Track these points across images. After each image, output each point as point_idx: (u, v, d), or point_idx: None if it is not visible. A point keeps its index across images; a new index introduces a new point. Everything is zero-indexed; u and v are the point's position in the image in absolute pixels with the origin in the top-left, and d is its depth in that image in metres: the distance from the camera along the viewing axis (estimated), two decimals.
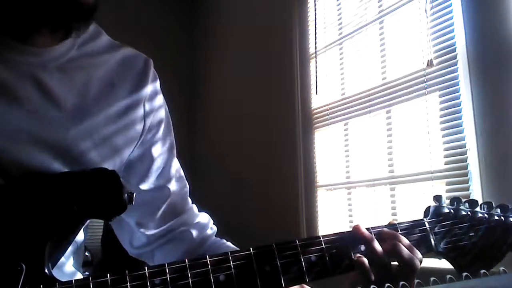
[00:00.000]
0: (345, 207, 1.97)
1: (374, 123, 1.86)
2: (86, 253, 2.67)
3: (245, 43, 2.77)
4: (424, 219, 0.68)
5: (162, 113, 0.80)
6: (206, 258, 0.57)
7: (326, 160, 2.10)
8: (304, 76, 2.26)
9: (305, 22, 2.30)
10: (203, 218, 0.86)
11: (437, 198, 0.70)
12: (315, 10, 2.22)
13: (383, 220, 1.73)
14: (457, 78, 1.52)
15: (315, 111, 2.19)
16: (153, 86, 0.78)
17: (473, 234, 0.66)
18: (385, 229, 0.65)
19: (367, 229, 0.65)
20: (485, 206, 0.70)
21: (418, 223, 0.67)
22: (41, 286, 0.52)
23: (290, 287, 0.59)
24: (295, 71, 2.28)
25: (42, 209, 0.58)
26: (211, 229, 0.86)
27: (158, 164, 0.79)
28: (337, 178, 2.02)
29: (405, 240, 0.63)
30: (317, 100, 2.18)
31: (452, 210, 0.68)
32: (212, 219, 0.89)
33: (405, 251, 0.61)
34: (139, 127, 0.75)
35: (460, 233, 0.66)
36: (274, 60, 2.47)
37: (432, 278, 0.50)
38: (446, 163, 1.54)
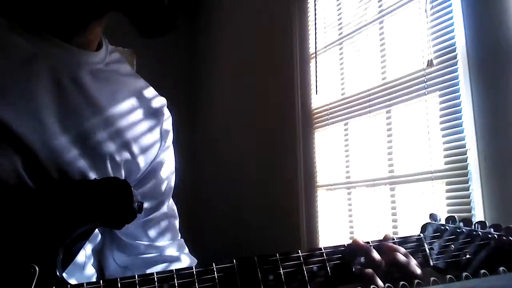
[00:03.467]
0: (345, 207, 1.97)
1: (374, 123, 1.86)
2: None
3: (245, 43, 2.77)
4: (421, 234, 0.70)
5: (170, 139, 0.86)
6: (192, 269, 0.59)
7: (326, 160, 2.10)
8: (304, 76, 2.26)
9: (305, 22, 2.30)
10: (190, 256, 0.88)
11: (433, 216, 0.72)
12: (315, 10, 2.22)
13: (383, 220, 1.74)
14: (457, 78, 1.52)
15: (315, 111, 2.19)
16: (168, 118, 0.85)
17: (468, 250, 0.67)
18: (383, 242, 0.67)
19: (366, 242, 0.66)
20: (479, 225, 0.71)
21: (415, 239, 0.69)
22: (53, 287, 0.54)
23: None
24: (295, 71, 2.28)
25: (55, 215, 0.60)
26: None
27: (163, 185, 0.84)
28: (337, 178, 2.02)
29: (402, 250, 0.65)
30: (317, 100, 2.18)
31: (447, 227, 0.70)
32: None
33: (404, 259, 0.63)
34: (156, 146, 0.81)
35: (457, 249, 0.68)
36: (274, 60, 2.47)
37: (432, 278, 0.50)
38: (446, 163, 1.54)
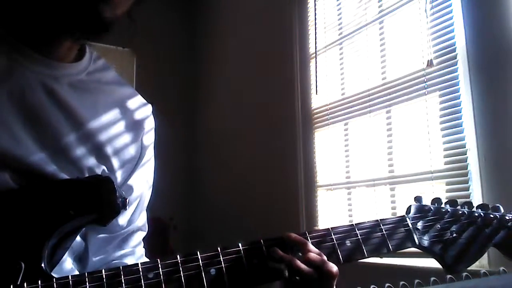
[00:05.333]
0: (345, 207, 1.97)
1: (374, 123, 1.85)
2: None
3: (245, 43, 2.77)
4: (406, 215, 0.70)
5: (150, 153, 0.85)
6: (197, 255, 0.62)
7: (326, 160, 2.10)
8: (304, 76, 2.25)
9: (305, 22, 2.30)
10: None
11: (417, 198, 0.74)
12: (315, 10, 2.22)
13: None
14: (457, 78, 1.52)
15: (315, 111, 2.19)
16: (150, 130, 0.84)
17: (454, 229, 0.69)
18: (294, 235, 0.66)
19: (303, 234, 0.67)
20: (466, 205, 0.72)
21: (400, 220, 0.69)
22: (39, 281, 0.56)
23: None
24: (295, 71, 2.28)
25: (40, 212, 0.61)
26: None
27: (137, 200, 0.83)
28: (337, 178, 2.02)
29: (313, 249, 0.64)
30: (317, 100, 2.18)
31: (432, 208, 0.71)
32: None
33: (316, 257, 0.63)
34: (134, 160, 0.80)
35: (442, 228, 0.69)
36: (274, 60, 2.47)
37: (432, 278, 0.50)
38: (446, 163, 1.54)
